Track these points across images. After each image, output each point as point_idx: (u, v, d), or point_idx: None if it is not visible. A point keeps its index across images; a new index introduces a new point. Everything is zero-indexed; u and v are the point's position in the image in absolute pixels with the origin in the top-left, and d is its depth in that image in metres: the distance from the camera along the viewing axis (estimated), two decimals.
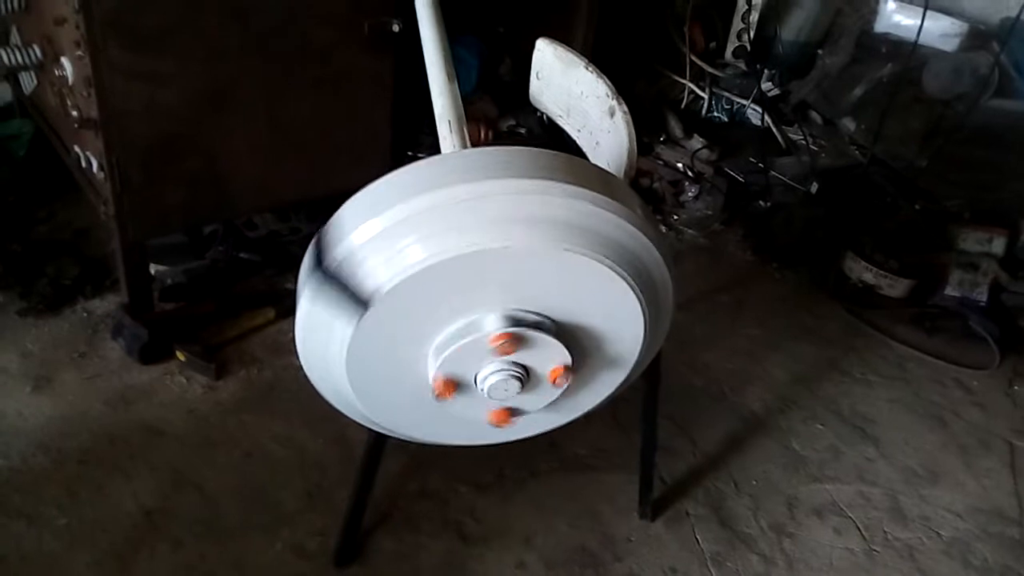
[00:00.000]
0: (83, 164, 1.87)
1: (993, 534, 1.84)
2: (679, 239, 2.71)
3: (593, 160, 1.46)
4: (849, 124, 3.03)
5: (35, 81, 2.08)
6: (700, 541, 1.74)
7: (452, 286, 1.00)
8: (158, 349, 1.94)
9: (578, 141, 1.54)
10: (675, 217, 2.79)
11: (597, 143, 1.46)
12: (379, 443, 1.45)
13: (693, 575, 1.67)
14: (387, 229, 0.98)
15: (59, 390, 1.85)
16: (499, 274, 1.00)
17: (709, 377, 2.16)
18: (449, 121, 1.35)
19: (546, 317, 1.05)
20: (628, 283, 1.04)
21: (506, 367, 1.06)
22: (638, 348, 1.13)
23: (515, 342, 1.04)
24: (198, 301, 2.10)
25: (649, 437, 1.65)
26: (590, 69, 1.46)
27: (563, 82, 1.54)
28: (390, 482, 1.73)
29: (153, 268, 2.09)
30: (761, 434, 2.01)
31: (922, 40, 2.73)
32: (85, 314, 2.05)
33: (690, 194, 2.86)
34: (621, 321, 1.09)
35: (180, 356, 1.94)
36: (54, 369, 1.90)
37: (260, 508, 1.66)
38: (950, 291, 2.44)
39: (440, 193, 0.97)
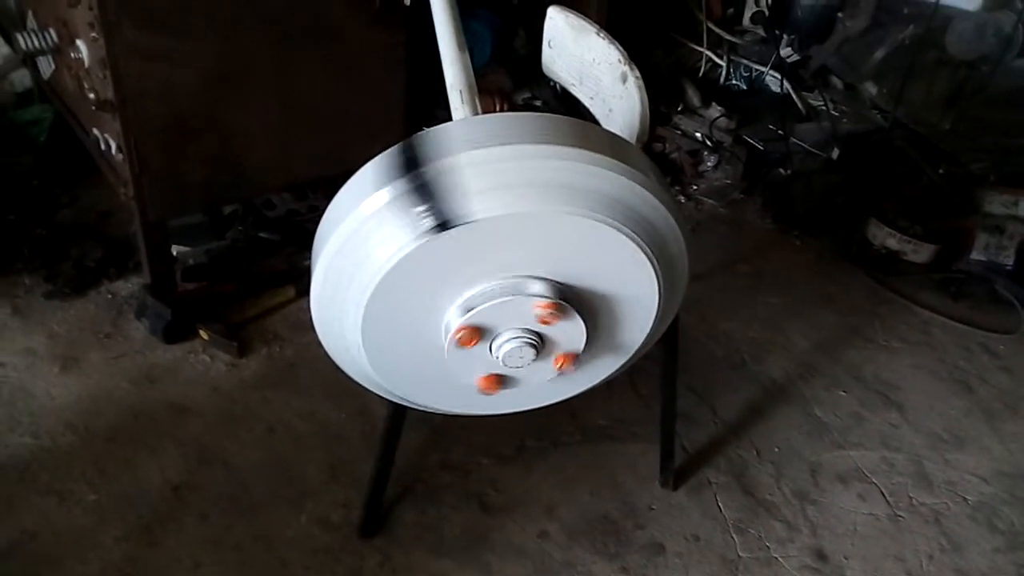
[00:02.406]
0: (102, 146, 1.89)
1: (1020, 498, 1.83)
2: (698, 209, 2.69)
3: (606, 127, 1.45)
4: (871, 88, 2.98)
5: (52, 65, 2.10)
6: (722, 509, 1.74)
7: (466, 253, 1.00)
8: (181, 328, 1.96)
9: (591, 109, 1.53)
10: (694, 187, 2.77)
11: (610, 110, 1.44)
12: (399, 414, 1.46)
13: (716, 542, 1.67)
14: (399, 197, 0.98)
15: (86, 370, 1.88)
16: (510, 241, 1.00)
17: (729, 346, 2.15)
18: (460, 91, 1.34)
19: (560, 283, 1.05)
20: (641, 248, 1.04)
21: (519, 334, 1.06)
22: (652, 314, 1.12)
23: (558, 313, 1.05)
24: (220, 280, 2.12)
25: (669, 405, 1.65)
26: (602, 35, 1.44)
27: (575, 50, 1.53)
28: (412, 455, 1.75)
29: (175, 249, 2.10)
30: (783, 402, 2.00)
31: (944, 0, 2.67)
32: (109, 295, 2.08)
33: (709, 163, 2.84)
34: (634, 286, 1.09)
35: (203, 335, 1.97)
36: (80, 350, 1.93)
37: (284, 482, 1.68)
38: (976, 255, 2.41)
39: (448, 160, 0.97)
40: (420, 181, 0.99)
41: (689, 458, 1.83)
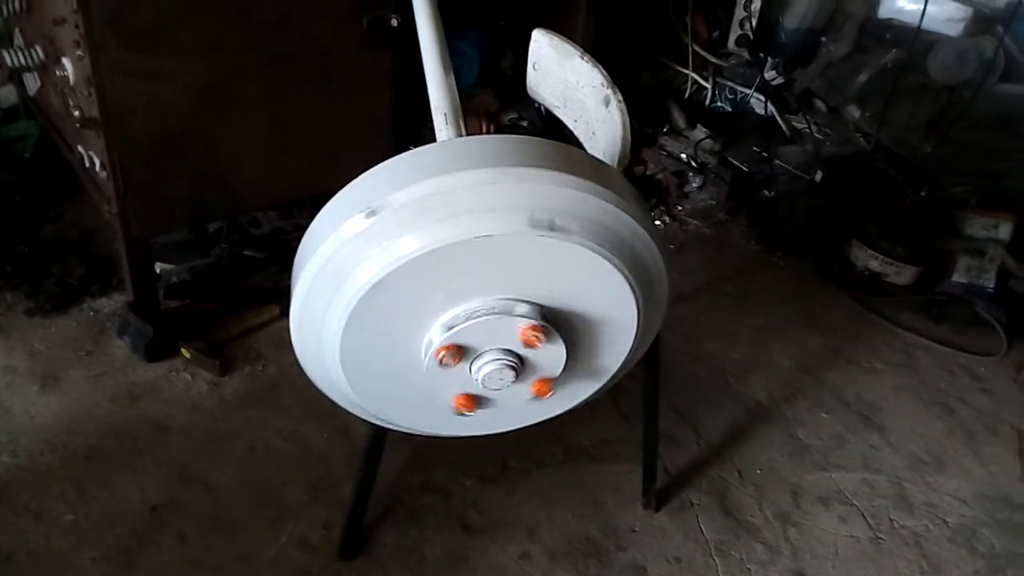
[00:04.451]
0: (86, 163, 1.89)
1: (1000, 520, 1.83)
2: (683, 230, 2.70)
3: (589, 150, 1.46)
4: (854, 111, 3.01)
5: (38, 82, 2.10)
6: (704, 530, 1.74)
7: (445, 274, 1.00)
8: (163, 346, 1.96)
9: (575, 132, 1.54)
10: (679, 208, 2.79)
11: (593, 133, 1.45)
12: (380, 435, 1.45)
13: (697, 564, 1.67)
14: (381, 217, 0.98)
15: (66, 388, 1.87)
16: (489, 262, 1.01)
17: (713, 367, 2.15)
18: (445, 113, 1.35)
19: (538, 304, 1.05)
20: (619, 270, 1.04)
21: (499, 356, 1.06)
22: (632, 335, 1.13)
23: (543, 336, 1.05)
24: (203, 299, 2.11)
25: (651, 426, 1.65)
26: (585, 59, 1.45)
27: (559, 72, 1.54)
28: (394, 476, 1.74)
29: (158, 266, 2.10)
30: (765, 423, 2.01)
31: (926, 25, 2.70)
32: (91, 313, 2.07)
33: (694, 184, 2.85)
34: (614, 308, 1.09)
35: (185, 353, 1.96)
36: (61, 367, 1.91)
37: (265, 502, 1.67)
38: (957, 278, 2.43)
39: (430, 182, 0.98)
40: (402, 201, 0.99)
41: (672, 479, 1.83)
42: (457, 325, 1.04)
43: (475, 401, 1.13)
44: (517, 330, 1.06)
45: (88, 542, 1.56)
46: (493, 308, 1.04)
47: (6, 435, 1.74)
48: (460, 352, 1.06)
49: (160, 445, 1.76)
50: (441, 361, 1.05)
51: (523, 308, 1.05)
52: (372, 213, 0.98)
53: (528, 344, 1.06)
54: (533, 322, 1.05)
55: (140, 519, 1.61)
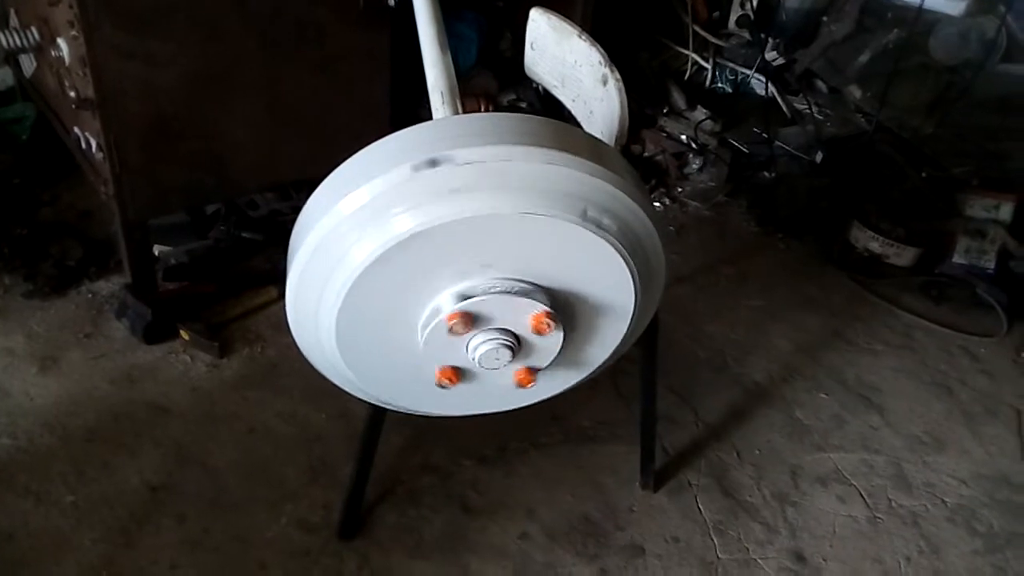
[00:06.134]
0: (83, 145, 1.88)
1: (999, 501, 1.84)
2: (683, 211, 2.70)
3: (587, 129, 1.45)
4: (855, 92, 2.99)
5: (35, 63, 2.09)
6: (702, 510, 1.74)
7: (440, 254, 1.00)
8: (162, 328, 1.95)
9: (573, 111, 1.53)
10: (679, 189, 2.78)
11: (591, 112, 1.45)
12: (378, 416, 1.45)
13: (695, 544, 1.67)
14: (376, 196, 0.97)
15: (65, 370, 1.87)
16: (485, 242, 1.00)
17: (712, 348, 2.15)
18: (441, 92, 1.35)
19: (534, 284, 1.05)
20: (617, 249, 1.04)
21: (496, 336, 1.06)
22: (629, 314, 1.13)
23: (551, 323, 1.05)
24: (201, 281, 2.11)
25: (649, 407, 1.65)
26: (583, 38, 1.44)
27: (557, 52, 1.53)
28: (393, 456, 1.74)
29: (156, 248, 2.10)
30: (764, 404, 2.01)
31: (928, 4, 2.68)
32: (90, 295, 2.07)
33: (694, 166, 2.84)
34: (611, 287, 1.09)
35: (184, 335, 1.96)
36: (60, 349, 1.91)
37: (264, 483, 1.68)
38: (957, 259, 2.42)
39: (422, 160, 0.97)
40: (395, 181, 0.98)
41: (670, 460, 1.84)
42: (476, 296, 1.03)
43: (457, 374, 1.12)
44: (529, 314, 1.05)
45: (88, 523, 1.57)
46: (514, 287, 1.04)
47: (6, 417, 1.74)
48: (470, 321, 1.05)
49: (159, 427, 1.76)
50: (451, 329, 1.04)
51: (541, 295, 1.05)
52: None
53: (538, 331, 1.06)
54: (547, 309, 1.05)
55: (139, 500, 1.62)
